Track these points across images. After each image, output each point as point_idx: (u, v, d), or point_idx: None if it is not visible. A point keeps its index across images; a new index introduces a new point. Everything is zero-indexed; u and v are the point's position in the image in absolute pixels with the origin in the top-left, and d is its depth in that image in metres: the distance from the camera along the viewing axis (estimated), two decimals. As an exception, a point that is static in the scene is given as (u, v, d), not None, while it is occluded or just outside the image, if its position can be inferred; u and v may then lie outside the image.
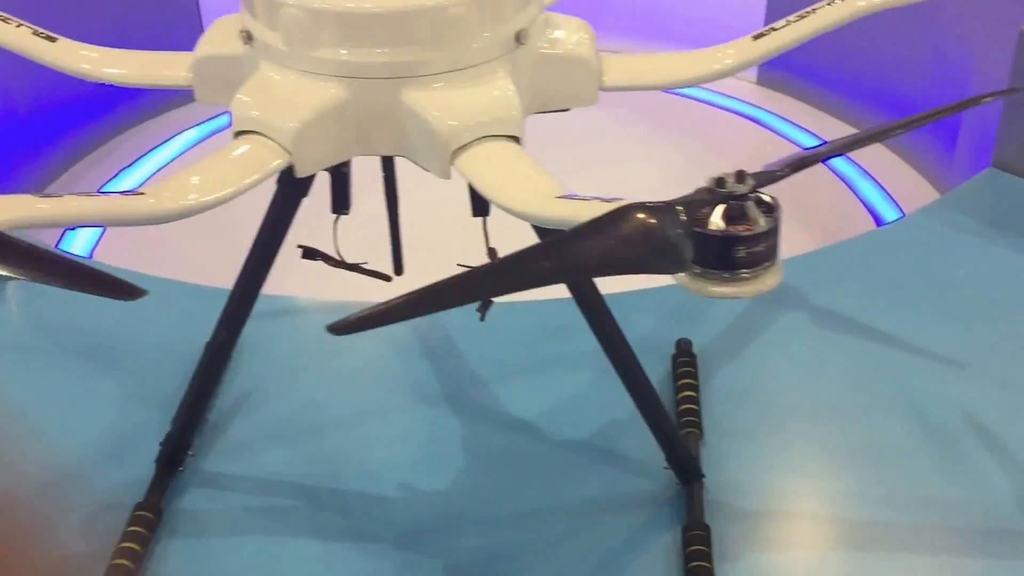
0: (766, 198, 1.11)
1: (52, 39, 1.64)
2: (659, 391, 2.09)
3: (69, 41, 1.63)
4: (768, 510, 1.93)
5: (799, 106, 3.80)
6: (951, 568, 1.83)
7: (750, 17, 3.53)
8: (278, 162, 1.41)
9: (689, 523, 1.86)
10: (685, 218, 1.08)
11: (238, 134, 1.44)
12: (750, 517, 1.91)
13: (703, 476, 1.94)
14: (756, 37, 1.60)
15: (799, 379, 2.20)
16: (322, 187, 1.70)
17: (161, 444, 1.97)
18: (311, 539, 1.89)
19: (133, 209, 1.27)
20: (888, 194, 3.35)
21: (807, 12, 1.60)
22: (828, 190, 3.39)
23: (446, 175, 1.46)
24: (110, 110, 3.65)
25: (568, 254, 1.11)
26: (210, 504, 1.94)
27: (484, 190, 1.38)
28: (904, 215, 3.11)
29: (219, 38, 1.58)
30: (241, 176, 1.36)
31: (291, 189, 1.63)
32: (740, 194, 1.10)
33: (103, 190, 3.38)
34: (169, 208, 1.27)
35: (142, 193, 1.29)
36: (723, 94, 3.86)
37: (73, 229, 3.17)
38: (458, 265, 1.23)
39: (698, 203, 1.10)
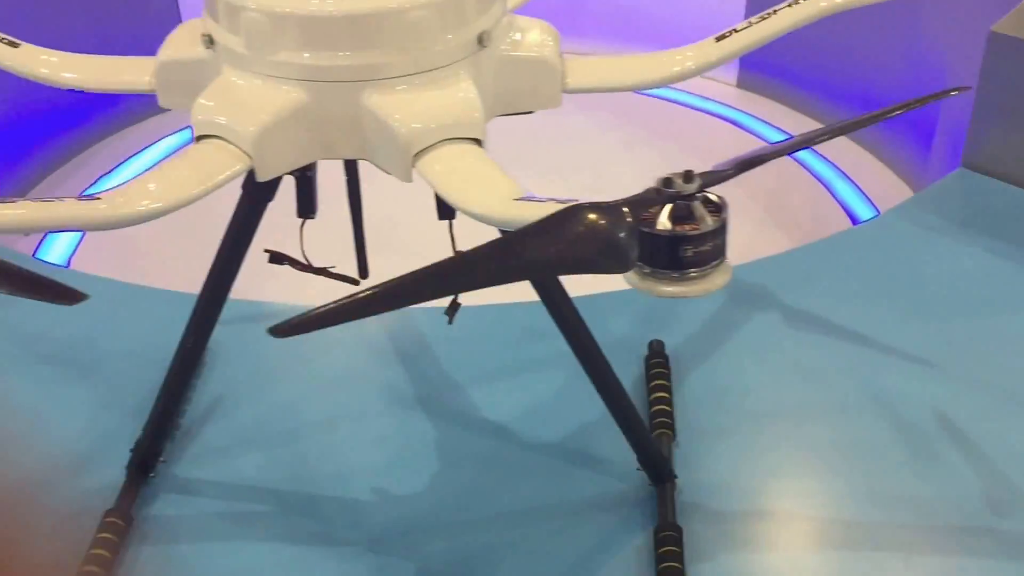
0: (713, 197, 1.12)
1: (15, 44, 1.64)
2: (632, 392, 2.09)
3: (31, 46, 1.63)
4: (740, 510, 1.93)
5: (778, 108, 3.81)
6: (922, 567, 1.83)
7: (730, 20, 3.54)
8: (239, 166, 1.41)
9: (661, 524, 1.86)
10: (631, 219, 1.08)
11: (199, 138, 1.44)
12: (723, 517, 1.92)
13: (675, 477, 1.95)
14: (719, 39, 1.60)
15: (772, 379, 2.20)
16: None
17: (132, 450, 1.96)
18: (283, 544, 1.89)
19: (86, 214, 1.27)
20: (865, 195, 3.37)
21: (769, 13, 1.61)
22: (806, 191, 3.40)
23: (407, 178, 1.46)
24: (89, 117, 3.65)
25: (515, 254, 1.11)
26: (181, 510, 1.94)
27: (443, 192, 1.39)
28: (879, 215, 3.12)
29: (182, 42, 1.58)
30: (200, 181, 1.36)
31: (256, 193, 1.63)
32: (687, 194, 1.10)
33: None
34: (123, 214, 1.27)
35: (98, 198, 1.29)
36: (703, 96, 3.88)
37: (47, 236, 3.16)
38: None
39: (646, 203, 1.10)
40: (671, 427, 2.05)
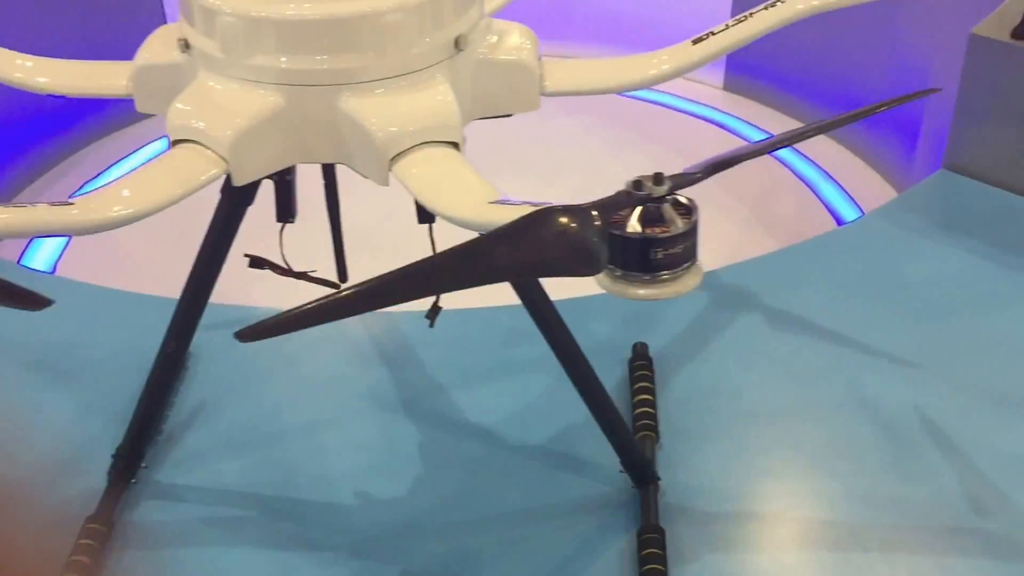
0: (683, 200, 1.12)
1: None
2: (616, 395, 2.10)
3: (5, 51, 1.63)
4: (724, 511, 1.94)
5: (764, 110, 3.82)
6: (906, 566, 1.84)
7: (718, 22, 3.55)
8: (214, 171, 1.41)
9: (644, 526, 1.86)
10: (599, 222, 1.08)
11: (175, 143, 1.44)
12: (706, 519, 1.92)
13: (659, 479, 1.95)
14: (695, 42, 1.61)
15: (756, 381, 2.21)
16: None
17: (113, 456, 1.96)
18: (266, 549, 1.89)
19: (57, 220, 1.27)
20: (850, 196, 3.38)
21: (745, 16, 1.61)
22: (791, 192, 3.41)
23: (384, 182, 1.46)
24: (76, 122, 3.64)
25: (484, 258, 1.11)
26: (163, 516, 1.93)
27: (419, 196, 1.39)
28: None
29: (159, 46, 1.58)
30: (175, 186, 1.36)
31: (235, 198, 1.63)
32: (657, 196, 1.10)
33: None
34: (93, 219, 1.27)
35: (72, 203, 1.28)
36: (690, 100, 3.88)
37: (32, 242, 3.15)
38: None
39: (616, 205, 1.10)
40: (655, 429, 2.05)
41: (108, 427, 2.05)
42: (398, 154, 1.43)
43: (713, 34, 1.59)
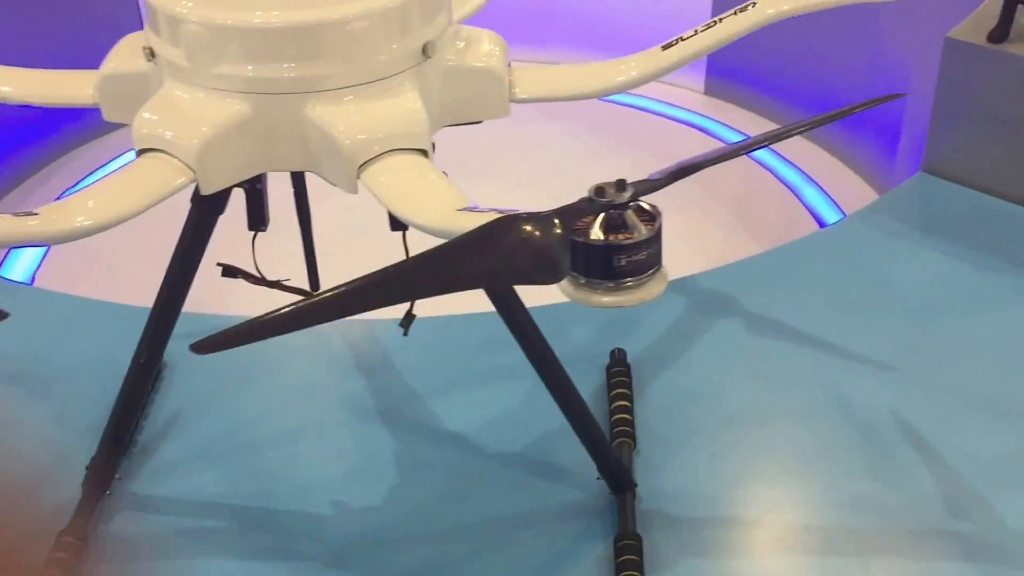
0: (646, 206, 1.11)
1: None
2: (594, 401, 2.09)
3: None
4: (701, 517, 1.93)
5: (745, 115, 3.82)
6: (882, 569, 1.83)
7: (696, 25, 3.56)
8: (181, 180, 1.40)
9: (621, 533, 1.86)
10: (560, 230, 1.07)
11: (141, 152, 1.43)
12: (683, 525, 1.91)
13: (636, 485, 1.94)
14: (665, 47, 1.60)
15: (734, 386, 2.20)
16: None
17: (87, 468, 1.94)
18: (241, 560, 1.87)
19: (18, 231, 1.26)
20: (832, 199, 3.38)
21: (714, 21, 1.61)
22: (774, 196, 3.41)
23: (353, 189, 1.45)
24: (54, 130, 3.62)
25: (445, 266, 1.11)
26: (138, 528, 1.92)
27: (387, 203, 1.38)
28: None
29: (125, 55, 1.57)
30: (141, 196, 1.35)
31: (205, 207, 1.62)
32: (620, 203, 1.10)
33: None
34: (57, 230, 1.26)
35: (35, 214, 1.27)
36: (671, 104, 3.89)
37: (10, 252, 3.13)
38: None
39: (578, 212, 1.10)
40: (632, 436, 2.05)
41: (80, 438, 2.03)
42: (366, 162, 1.43)
43: (682, 40, 1.59)
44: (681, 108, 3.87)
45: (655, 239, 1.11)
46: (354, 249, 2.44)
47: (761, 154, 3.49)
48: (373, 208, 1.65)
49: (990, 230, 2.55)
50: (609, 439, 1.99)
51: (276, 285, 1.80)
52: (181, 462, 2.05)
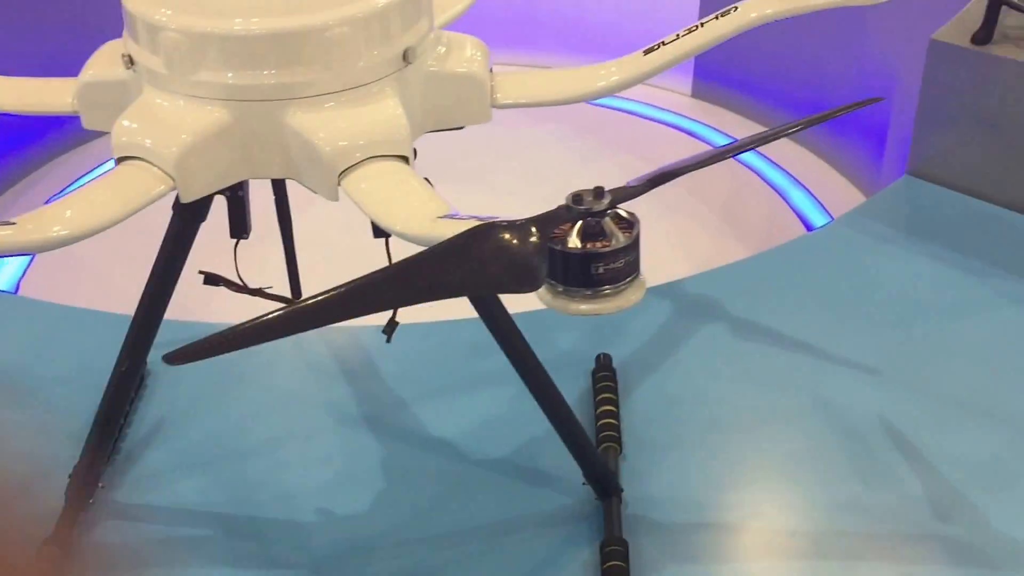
0: (624, 214, 1.11)
1: None
2: (579, 406, 2.09)
3: None
4: (687, 522, 1.93)
5: (733, 118, 3.83)
6: (869, 572, 1.83)
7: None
8: (161, 188, 1.40)
9: (607, 539, 1.85)
10: (537, 238, 1.07)
11: (120, 160, 1.42)
12: (669, 530, 1.91)
13: (622, 491, 1.93)
14: (647, 52, 1.60)
15: (721, 390, 2.20)
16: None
17: (70, 476, 1.93)
18: (225, 568, 1.86)
19: (-7, 239, 1.25)
20: (819, 202, 3.39)
21: (697, 25, 1.61)
22: (761, 199, 3.42)
23: (334, 197, 1.45)
24: (39, 138, 3.60)
25: (421, 275, 1.10)
26: (122, 537, 1.91)
27: (367, 211, 1.37)
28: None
29: (104, 62, 1.56)
30: (119, 204, 1.34)
31: (186, 214, 1.61)
32: (598, 211, 1.09)
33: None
34: (33, 239, 1.25)
35: (12, 223, 1.26)
36: (659, 107, 3.89)
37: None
38: None
39: (555, 220, 1.09)
40: (618, 440, 2.04)
41: (63, 447, 2.01)
42: (347, 169, 1.42)
43: (664, 44, 1.59)
44: (669, 111, 3.87)
45: (633, 247, 1.11)
46: (336, 256, 2.43)
47: (748, 157, 3.49)
48: (355, 215, 1.65)
49: (976, 233, 2.56)
50: (595, 444, 1.99)
51: (258, 293, 1.79)
52: (165, 470, 2.04)
